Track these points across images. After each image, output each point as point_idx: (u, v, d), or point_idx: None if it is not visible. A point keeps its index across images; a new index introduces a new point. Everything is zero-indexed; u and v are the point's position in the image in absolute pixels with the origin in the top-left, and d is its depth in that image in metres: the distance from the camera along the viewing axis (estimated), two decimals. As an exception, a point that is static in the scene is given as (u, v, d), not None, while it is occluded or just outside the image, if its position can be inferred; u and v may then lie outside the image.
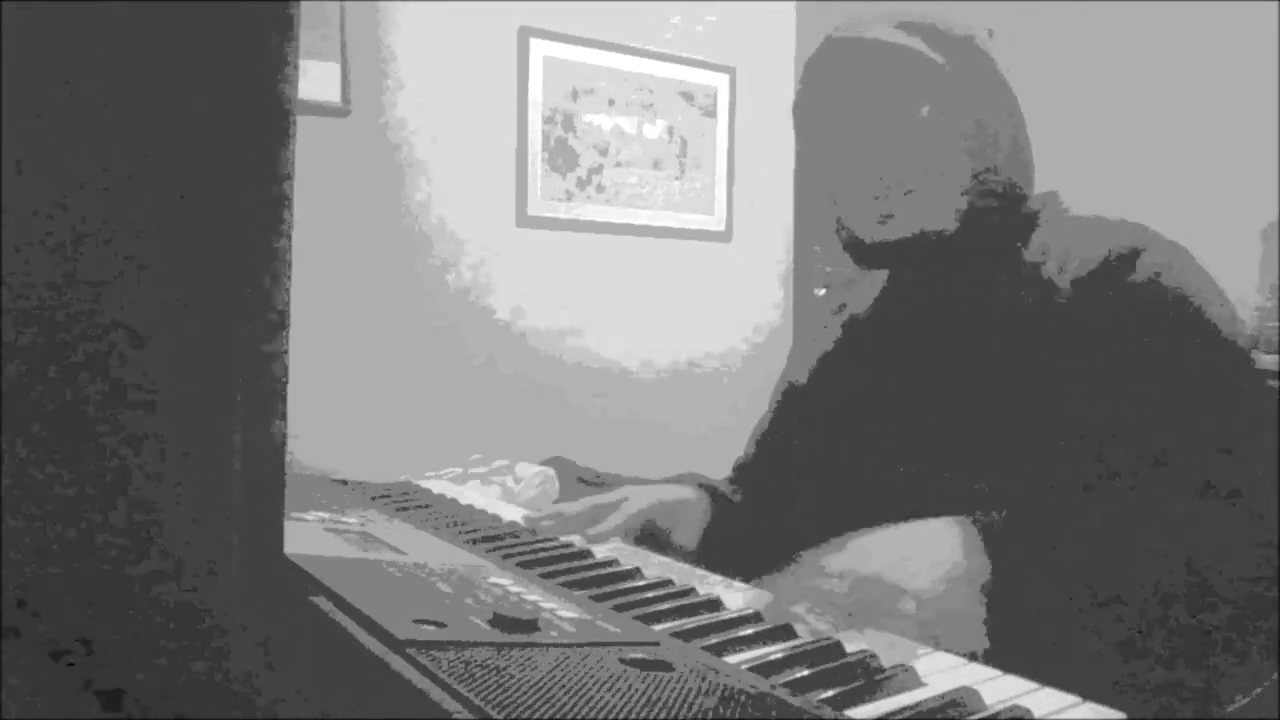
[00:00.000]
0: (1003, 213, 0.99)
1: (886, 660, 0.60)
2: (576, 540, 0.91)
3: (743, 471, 1.22)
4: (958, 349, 0.97)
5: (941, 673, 0.60)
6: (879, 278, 1.14)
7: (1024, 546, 0.78)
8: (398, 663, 0.48)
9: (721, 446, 1.32)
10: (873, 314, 1.12)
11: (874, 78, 0.96)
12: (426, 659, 0.48)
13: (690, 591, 0.74)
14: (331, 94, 2.38)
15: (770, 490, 1.16)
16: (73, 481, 0.44)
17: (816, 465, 1.07)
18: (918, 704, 0.54)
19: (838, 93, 0.99)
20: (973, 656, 0.64)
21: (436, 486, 1.24)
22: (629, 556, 0.86)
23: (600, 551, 0.87)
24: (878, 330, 1.09)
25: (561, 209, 2.76)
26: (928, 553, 0.76)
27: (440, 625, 0.54)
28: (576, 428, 2.73)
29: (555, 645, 0.55)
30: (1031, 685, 0.58)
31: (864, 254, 1.04)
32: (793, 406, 1.16)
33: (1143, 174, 2.93)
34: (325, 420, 1.97)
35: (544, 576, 0.75)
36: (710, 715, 0.48)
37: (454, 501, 1.11)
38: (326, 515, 0.86)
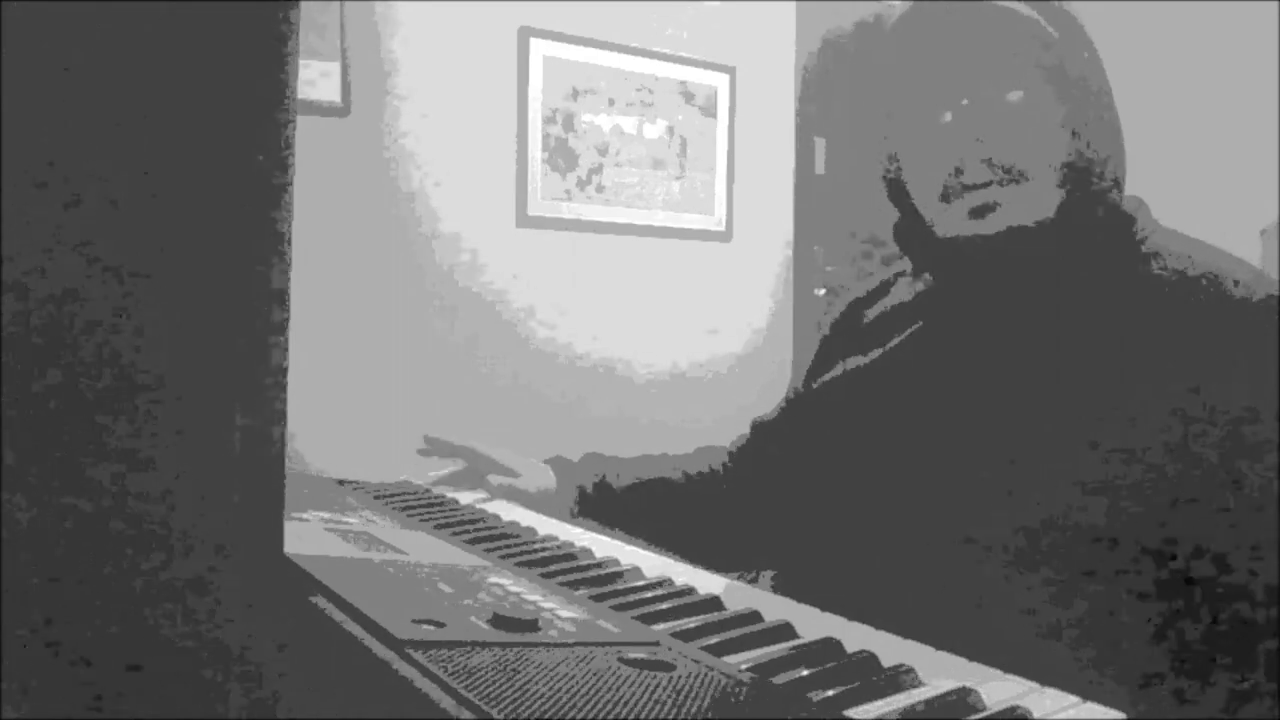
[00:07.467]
0: (1104, 206, 0.88)
1: (886, 660, 0.60)
2: (578, 541, 0.91)
3: (734, 457, 1.19)
4: (1046, 360, 0.86)
5: (942, 673, 0.60)
6: (900, 278, 1.02)
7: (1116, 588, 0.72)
8: (398, 663, 0.48)
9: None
10: (927, 320, 0.96)
11: (980, 46, 0.84)
12: (426, 659, 0.48)
13: (690, 591, 0.74)
14: (331, 94, 2.38)
15: (758, 485, 1.12)
16: (72, 482, 0.44)
17: (833, 476, 0.99)
18: (918, 704, 0.54)
19: (929, 63, 0.86)
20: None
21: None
22: (629, 556, 0.86)
23: (600, 552, 0.87)
24: (938, 339, 0.95)
25: (562, 209, 2.76)
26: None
27: (440, 625, 0.54)
28: (576, 428, 2.73)
29: (555, 645, 0.54)
30: (1032, 685, 0.58)
31: (937, 253, 0.91)
32: (810, 410, 1.07)
33: (1142, 173, 2.92)
34: (325, 420, 1.97)
35: (544, 576, 0.75)
36: (710, 715, 0.48)
37: (454, 501, 1.11)
38: (326, 515, 0.86)
